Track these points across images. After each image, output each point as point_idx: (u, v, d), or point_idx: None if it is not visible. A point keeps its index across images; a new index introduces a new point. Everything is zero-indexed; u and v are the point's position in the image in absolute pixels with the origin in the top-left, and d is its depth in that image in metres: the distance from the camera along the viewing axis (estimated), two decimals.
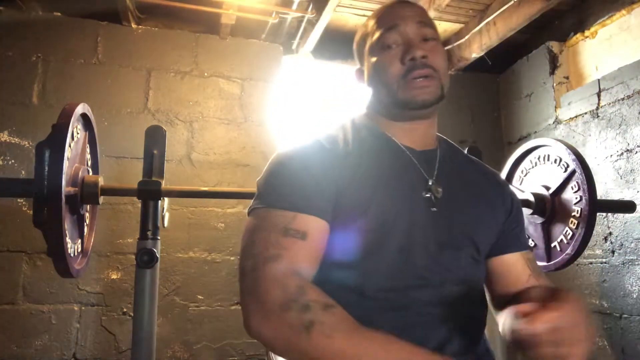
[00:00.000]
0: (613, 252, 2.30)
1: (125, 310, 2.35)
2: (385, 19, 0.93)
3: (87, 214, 1.60)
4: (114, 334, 2.33)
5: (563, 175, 1.78)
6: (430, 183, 0.89)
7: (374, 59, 0.92)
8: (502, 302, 0.90)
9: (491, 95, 3.23)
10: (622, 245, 2.26)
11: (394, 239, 0.83)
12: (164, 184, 1.58)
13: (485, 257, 0.95)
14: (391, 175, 0.88)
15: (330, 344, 0.67)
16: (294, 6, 2.52)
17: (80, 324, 2.30)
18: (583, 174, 1.69)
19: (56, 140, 1.23)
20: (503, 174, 2.06)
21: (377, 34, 0.92)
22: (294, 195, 0.81)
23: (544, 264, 1.83)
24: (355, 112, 1.01)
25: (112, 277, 2.38)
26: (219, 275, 2.49)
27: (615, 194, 2.28)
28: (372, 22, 0.96)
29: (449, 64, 3.10)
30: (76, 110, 1.34)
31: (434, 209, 0.87)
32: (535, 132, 2.88)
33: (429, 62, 0.88)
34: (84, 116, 1.50)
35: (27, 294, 2.25)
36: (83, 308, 2.32)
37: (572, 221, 1.73)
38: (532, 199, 1.84)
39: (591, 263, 2.43)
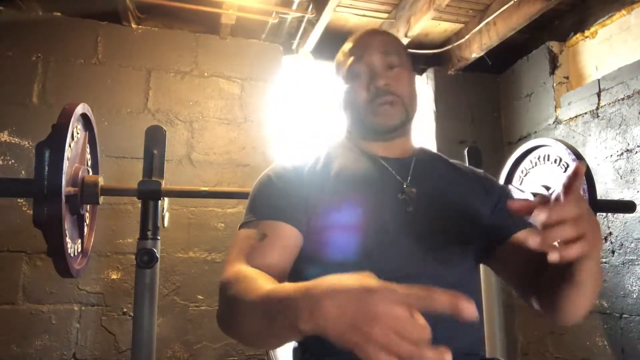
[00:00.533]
0: (613, 252, 2.30)
1: (125, 310, 2.35)
2: (354, 49, 1.02)
3: (87, 214, 1.60)
4: (114, 334, 2.33)
5: (563, 176, 1.78)
6: (404, 186, 0.95)
7: (345, 87, 1.02)
8: (532, 279, 0.89)
9: (491, 95, 3.23)
10: (622, 245, 2.26)
11: (369, 237, 0.88)
12: (164, 184, 1.58)
13: (488, 254, 0.96)
14: (365, 181, 0.95)
15: (243, 317, 0.70)
16: (294, 6, 2.52)
17: (80, 324, 2.30)
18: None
19: (56, 140, 1.24)
20: (503, 174, 2.07)
21: (347, 63, 1.01)
22: (261, 208, 0.92)
23: None
24: (334, 138, 1.12)
25: (112, 277, 2.38)
26: (219, 275, 2.48)
27: (615, 194, 2.28)
28: (345, 51, 1.05)
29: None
30: (76, 110, 1.35)
31: (410, 208, 0.92)
32: (535, 132, 2.88)
33: (391, 89, 0.96)
34: (84, 116, 1.50)
35: (27, 294, 2.25)
36: (83, 308, 2.32)
37: None
38: (532, 199, 1.84)
39: None
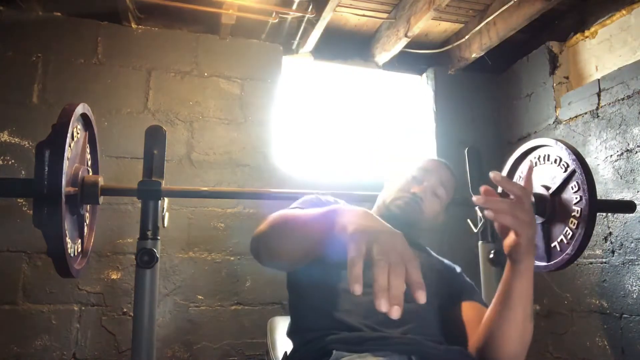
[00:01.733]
0: (613, 252, 2.30)
1: (125, 310, 2.35)
2: (427, 165, 1.35)
3: (87, 214, 1.60)
4: (114, 334, 2.33)
5: (563, 175, 1.77)
6: None
7: (400, 178, 1.33)
8: (477, 337, 1.11)
9: (491, 95, 3.23)
10: (622, 245, 2.26)
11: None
12: (164, 184, 1.58)
13: (446, 310, 1.22)
14: None
15: (293, 227, 0.95)
16: (294, 6, 2.52)
17: (80, 324, 2.30)
18: (583, 174, 1.68)
19: (56, 140, 1.23)
20: (503, 174, 2.06)
21: (416, 167, 1.34)
22: (307, 207, 1.16)
23: (544, 264, 1.83)
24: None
25: (112, 277, 2.38)
26: (219, 275, 2.49)
27: (615, 194, 2.28)
28: (421, 162, 1.36)
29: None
30: (76, 110, 1.34)
31: None
32: (535, 132, 2.88)
33: (420, 202, 1.27)
34: (84, 116, 1.50)
35: (27, 294, 2.25)
36: (83, 308, 2.32)
37: (572, 221, 1.73)
38: (532, 199, 1.84)
39: (591, 263, 2.43)
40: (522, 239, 0.90)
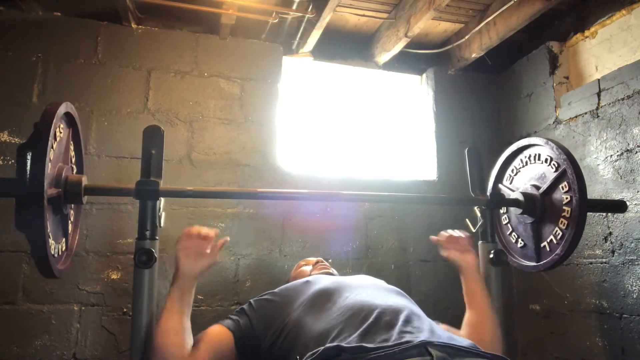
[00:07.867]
0: (613, 252, 2.30)
1: (125, 310, 2.35)
2: None
3: (71, 212, 1.58)
4: (114, 334, 2.33)
5: (553, 175, 1.77)
6: None
7: None
8: None
9: (491, 95, 3.22)
10: (622, 245, 2.26)
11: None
12: (163, 184, 1.58)
13: None
14: None
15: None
16: (294, 6, 2.52)
17: (80, 324, 2.30)
18: (574, 174, 1.67)
19: (38, 144, 1.21)
20: (493, 173, 2.07)
21: None
22: None
23: (533, 264, 1.82)
24: None
25: (112, 277, 2.38)
26: (219, 275, 2.49)
27: (616, 194, 2.28)
28: None
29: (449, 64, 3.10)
30: (58, 111, 1.32)
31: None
32: (535, 132, 2.87)
33: None
34: (67, 114, 1.48)
35: (27, 294, 2.25)
36: (83, 308, 2.32)
37: (562, 221, 1.72)
38: (521, 198, 1.83)
39: (591, 263, 2.42)
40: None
